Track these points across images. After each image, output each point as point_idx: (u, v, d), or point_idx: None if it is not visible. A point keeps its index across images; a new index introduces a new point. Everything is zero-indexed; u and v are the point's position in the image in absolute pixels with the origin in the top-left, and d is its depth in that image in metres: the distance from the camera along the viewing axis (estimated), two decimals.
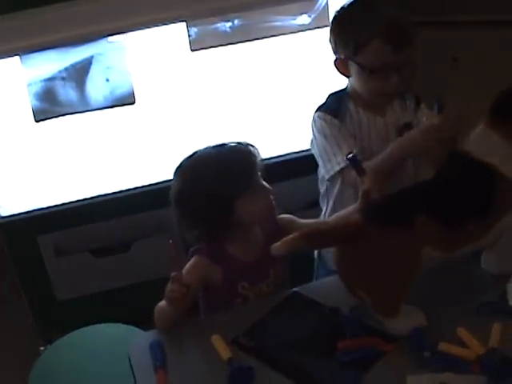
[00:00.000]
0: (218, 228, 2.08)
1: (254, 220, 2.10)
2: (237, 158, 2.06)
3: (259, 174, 2.07)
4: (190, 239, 2.12)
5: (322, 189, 2.31)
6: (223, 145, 2.10)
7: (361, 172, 1.97)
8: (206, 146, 2.11)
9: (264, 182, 2.08)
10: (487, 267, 2.04)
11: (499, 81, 1.99)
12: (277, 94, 3.01)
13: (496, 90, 1.96)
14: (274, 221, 2.17)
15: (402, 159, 2.17)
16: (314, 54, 2.80)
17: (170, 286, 1.94)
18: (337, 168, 2.18)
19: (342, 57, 2.21)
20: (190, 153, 2.12)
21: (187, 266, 2.09)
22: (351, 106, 2.26)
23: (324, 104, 2.29)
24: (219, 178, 2.01)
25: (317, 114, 2.26)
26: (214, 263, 2.10)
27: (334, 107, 2.25)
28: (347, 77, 2.25)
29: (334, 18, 2.27)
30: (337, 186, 2.24)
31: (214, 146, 2.10)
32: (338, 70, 2.24)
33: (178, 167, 2.11)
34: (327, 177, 2.22)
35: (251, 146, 2.11)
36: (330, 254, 2.37)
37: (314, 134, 2.28)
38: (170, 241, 1.93)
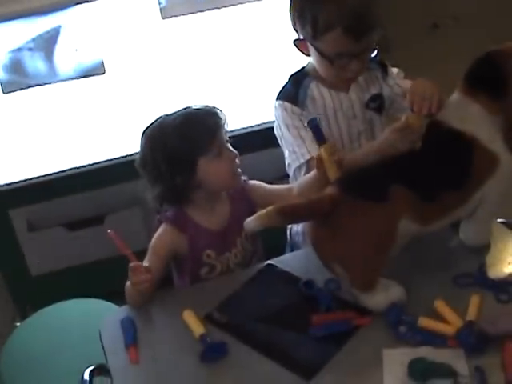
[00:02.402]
0: (181, 190, 2.06)
1: (217, 184, 2.09)
2: (200, 116, 2.05)
3: (225, 137, 2.07)
4: (156, 205, 2.12)
5: (290, 173, 2.26)
6: (188, 107, 2.09)
7: (321, 138, 1.92)
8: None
9: (230, 147, 2.07)
10: (465, 238, 2.02)
11: (479, 47, 1.95)
12: (248, 62, 2.98)
13: (475, 56, 1.92)
14: (239, 188, 2.16)
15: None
16: (285, 21, 2.75)
17: (132, 278, 1.92)
18: (302, 160, 2.13)
19: (302, 37, 2.15)
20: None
21: (155, 236, 2.10)
22: (313, 85, 2.20)
23: (283, 89, 2.23)
24: (181, 136, 2.01)
25: (277, 102, 2.20)
26: (179, 231, 2.09)
27: (293, 93, 2.19)
28: (307, 55, 2.18)
29: None
30: (302, 173, 2.19)
31: (179, 109, 2.09)
32: (298, 49, 2.18)
33: (143, 131, 2.11)
34: (293, 166, 2.18)
35: (217, 108, 2.10)
36: (300, 236, 2.35)
37: (276, 121, 2.23)
38: (109, 231, 1.92)
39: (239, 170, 2.10)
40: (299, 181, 2.13)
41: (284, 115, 2.17)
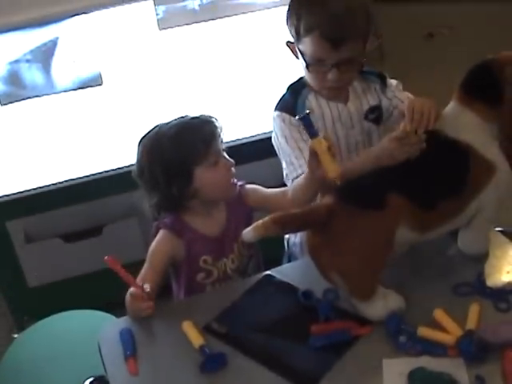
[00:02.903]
0: (178, 198, 2.07)
1: (213, 193, 2.09)
2: (195, 125, 2.06)
3: (220, 146, 2.07)
4: (153, 213, 2.13)
5: (288, 183, 2.25)
6: (184, 116, 2.10)
7: (313, 133, 1.89)
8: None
9: (225, 155, 2.08)
10: (463, 247, 2.02)
11: (474, 56, 1.95)
12: (246, 72, 2.98)
13: (470, 65, 1.93)
14: (235, 196, 2.14)
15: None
16: (283, 31, 2.75)
17: (133, 305, 1.93)
18: (299, 171, 2.09)
19: (292, 39, 2.15)
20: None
21: (153, 243, 2.10)
22: (311, 96, 2.18)
23: (281, 99, 2.21)
24: (177, 146, 2.02)
25: (276, 113, 2.18)
26: (176, 237, 2.09)
27: (291, 104, 2.16)
28: (298, 58, 2.17)
29: None
30: None
31: (175, 119, 2.10)
32: (291, 51, 2.17)
33: (140, 140, 2.11)
34: (290, 177, 2.17)
35: (213, 117, 2.10)
36: (298, 247, 2.35)
37: (274, 132, 2.21)
38: (106, 257, 1.93)
39: (234, 179, 2.10)
40: (293, 184, 2.12)
41: (282, 126, 2.14)
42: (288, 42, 2.16)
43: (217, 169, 2.05)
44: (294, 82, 2.22)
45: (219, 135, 2.07)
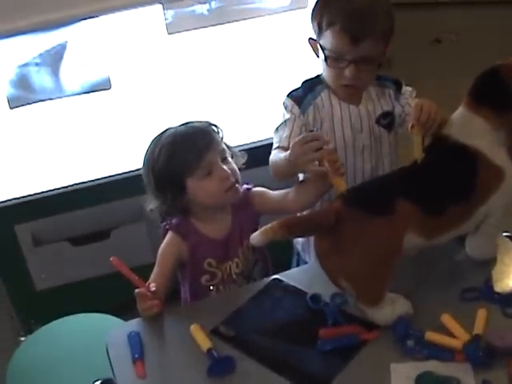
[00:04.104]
0: (174, 205, 2.08)
1: (207, 201, 2.08)
2: (188, 137, 2.05)
3: (218, 156, 2.05)
4: (158, 215, 2.15)
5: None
6: (189, 122, 2.10)
7: None
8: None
9: (222, 166, 2.05)
10: (471, 252, 2.02)
11: (481, 62, 1.95)
12: (255, 77, 2.98)
13: (478, 71, 1.93)
14: (242, 196, 2.14)
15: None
16: (292, 36, 2.76)
17: (139, 304, 1.94)
18: (281, 145, 2.12)
19: (314, 36, 2.17)
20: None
21: (162, 245, 2.11)
22: (324, 93, 2.20)
23: (293, 90, 2.23)
24: (168, 157, 2.02)
25: (286, 97, 2.21)
26: (181, 239, 2.10)
27: (300, 95, 2.19)
28: (318, 56, 2.19)
29: None
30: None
31: (185, 122, 2.11)
32: (312, 48, 2.19)
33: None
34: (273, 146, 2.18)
35: (215, 126, 2.11)
36: (300, 245, 2.35)
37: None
38: (111, 258, 1.95)
39: (237, 185, 2.09)
40: (295, 185, 2.13)
41: (284, 111, 2.18)
42: (310, 38, 2.18)
43: (210, 179, 2.03)
44: (311, 78, 2.24)
45: (217, 145, 2.06)
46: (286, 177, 2.08)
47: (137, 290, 1.93)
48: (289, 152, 1.94)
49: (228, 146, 2.12)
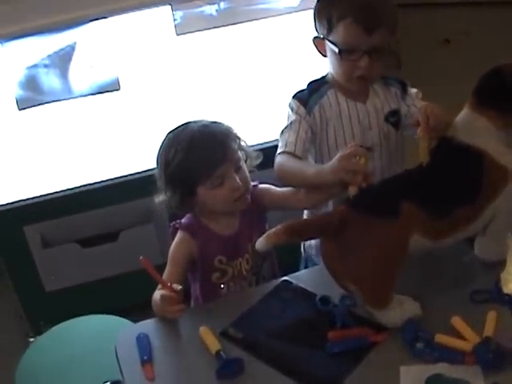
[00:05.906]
0: (182, 204, 2.08)
1: (215, 208, 2.09)
2: (206, 146, 2.03)
3: (231, 167, 2.04)
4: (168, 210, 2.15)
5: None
6: (207, 125, 2.08)
7: None
8: (198, 120, 2.11)
9: (235, 176, 2.04)
10: (480, 254, 2.01)
11: (490, 62, 1.95)
12: (264, 77, 2.98)
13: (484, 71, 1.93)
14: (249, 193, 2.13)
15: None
16: (301, 36, 2.75)
17: (165, 307, 1.93)
18: (287, 149, 2.11)
19: (321, 36, 2.17)
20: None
21: (172, 244, 2.12)
22: (330, 92, 2.20)
23: (299, 91, 2.23)
24: (182, 163, 2.01)
25: (291, 99, 2.21)
26: (191, 237, 2.10)
27: (306, 96, 2.19)
28: (324, 56, 2.19)
29: None
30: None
31: (203, 125, 2.08)
32: (317, 48, 2.20)
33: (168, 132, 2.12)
34: (279, 150, 2.17)
35: (231, 135, 2.09)
36: (314, 249, 2.35)
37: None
38: (141, 257, 1.92)
39: (246, 194, 2.08)
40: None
41: (290, 112, 2.18)
42: (315, 38, 2.19)
43: (221, 189, 2.03)
44: (316, 79, 2.24)
45: (232, 155, 2.05)
46: (302, 187, 2.07)
47: (163, 293, 1.92)
48: (333, 164, 1.90)
49: (243, 148, 2.12)
